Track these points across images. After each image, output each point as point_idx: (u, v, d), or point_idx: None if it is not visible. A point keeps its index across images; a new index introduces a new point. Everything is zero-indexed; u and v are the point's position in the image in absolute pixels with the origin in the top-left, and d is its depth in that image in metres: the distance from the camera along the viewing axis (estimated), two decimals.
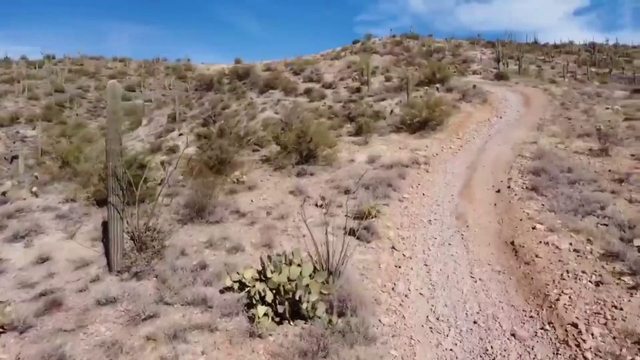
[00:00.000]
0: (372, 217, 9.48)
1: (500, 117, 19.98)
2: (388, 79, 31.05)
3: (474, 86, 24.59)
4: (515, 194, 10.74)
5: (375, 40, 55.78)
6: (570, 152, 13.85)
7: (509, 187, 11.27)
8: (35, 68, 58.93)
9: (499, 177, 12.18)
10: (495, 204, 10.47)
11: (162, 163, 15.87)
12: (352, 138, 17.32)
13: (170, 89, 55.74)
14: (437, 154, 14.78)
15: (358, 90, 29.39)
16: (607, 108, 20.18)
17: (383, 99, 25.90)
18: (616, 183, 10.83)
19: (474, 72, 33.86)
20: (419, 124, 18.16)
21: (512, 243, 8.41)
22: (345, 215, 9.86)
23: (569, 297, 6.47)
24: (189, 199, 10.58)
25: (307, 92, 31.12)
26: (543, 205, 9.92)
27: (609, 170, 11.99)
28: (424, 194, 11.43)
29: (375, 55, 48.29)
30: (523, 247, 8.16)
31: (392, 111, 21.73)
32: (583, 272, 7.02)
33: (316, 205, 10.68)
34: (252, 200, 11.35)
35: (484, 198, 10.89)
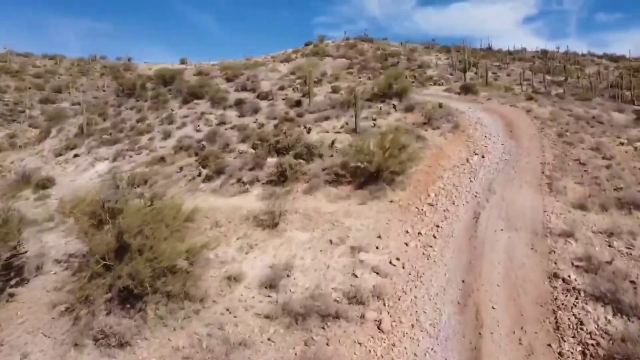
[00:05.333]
0: None
1: (483, 157, 12.71)
2: (335, 90, 23.27)
3: (441, 105, 17.26)
4: None
5: (329, 43, 47.77)
6: None
7: None
8: None
9: None
10: None
11: None
12: (262, 205, 9.47)
13: (104, 90, 45.69)
14: (397, 259, 7.23)
15: (298, 103, 21.44)
16: (622, 143, 13.39)
17: (326, 118, 18.18)
18: None
19: (435, 82, 26.61)
20: (369, 174, 10.63)
21: None
22: None
23: None
24: None
25: (239, 103, 22.86)
26: None
27: None
28: None
29: (328, 59, 40.31)
30: None
31: (333, 142, 14.04)
32: None
33: None
34: None
35: None
